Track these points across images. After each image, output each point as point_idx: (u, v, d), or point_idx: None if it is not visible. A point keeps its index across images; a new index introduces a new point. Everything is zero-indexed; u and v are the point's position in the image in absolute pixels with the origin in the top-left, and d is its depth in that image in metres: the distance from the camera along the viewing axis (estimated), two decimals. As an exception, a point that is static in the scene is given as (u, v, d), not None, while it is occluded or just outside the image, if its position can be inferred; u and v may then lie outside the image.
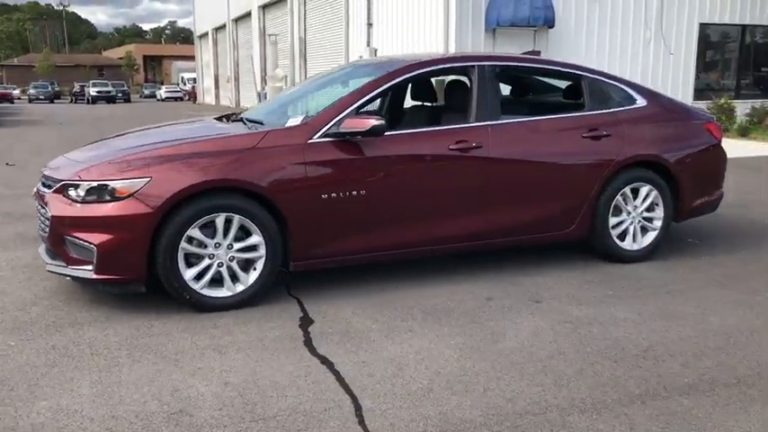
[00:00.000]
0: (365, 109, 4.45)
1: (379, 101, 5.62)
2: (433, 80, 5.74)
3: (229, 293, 4.05)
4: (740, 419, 2.81)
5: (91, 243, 3.82)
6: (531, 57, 6.58)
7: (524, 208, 4.70)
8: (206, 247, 3.96)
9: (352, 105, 4.30)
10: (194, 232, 3.90)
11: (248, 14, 30.43)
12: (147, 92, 60.22)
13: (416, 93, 5.73)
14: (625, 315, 4.01)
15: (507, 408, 2.90)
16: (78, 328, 3.77)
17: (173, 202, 3.81)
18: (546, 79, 5.79)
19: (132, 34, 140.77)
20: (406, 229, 4.40)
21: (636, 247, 5.11)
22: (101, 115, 29.39)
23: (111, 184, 3.84)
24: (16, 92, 53.00)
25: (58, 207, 3.96)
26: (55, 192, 4.03)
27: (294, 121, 4.30)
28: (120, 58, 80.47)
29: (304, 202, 4.08)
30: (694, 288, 4.52)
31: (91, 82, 50.19)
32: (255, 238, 4.04)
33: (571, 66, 5.19)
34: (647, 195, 5.06)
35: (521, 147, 4.67)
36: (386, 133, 4.30)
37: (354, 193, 4.20)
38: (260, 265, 4.08)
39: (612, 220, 4.99)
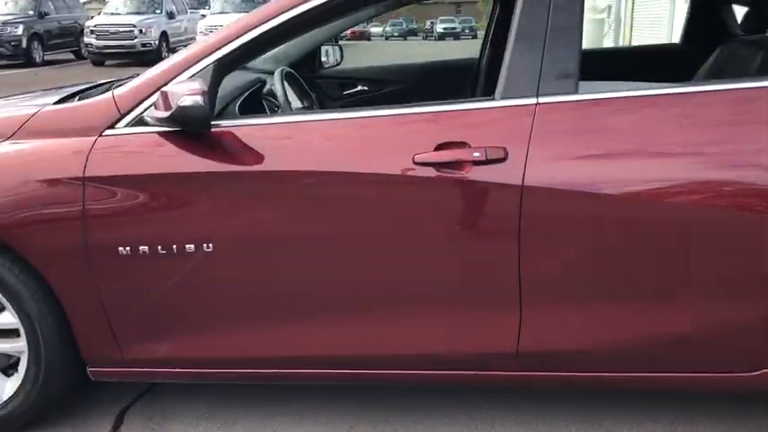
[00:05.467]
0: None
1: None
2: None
3: (-28, 409, 2.21)
4: None
5: None
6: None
7: (614, 311, 1.93)
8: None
9: (179, 72, 2.01)
10: None
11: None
12: (496, 27, 59.34)
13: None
14: None
15: None
16: None
17: None
18: None
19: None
20: (309, 330, 2.05)
21: None
22: (425, 52, 28.75)
23: None
24: (377, 29, 56.24)
25: None
26: None
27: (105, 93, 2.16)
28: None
29: (84, 259, 2.00)
30: None
31: (439, 18, 50.88)
32: (7, 317, 2.11)
33: None
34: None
35: (621, 161, 1.86)
36: (274, 121, 2.01)
37: (189, 247, 1.96)
38: (23, 367, 2.16)
39: None
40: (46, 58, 19.33)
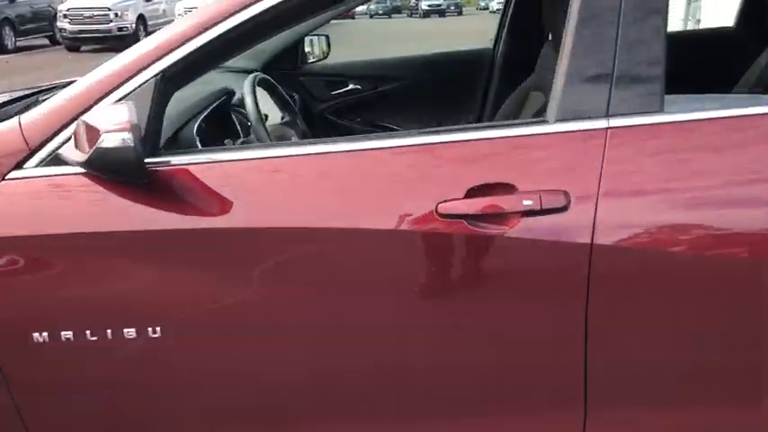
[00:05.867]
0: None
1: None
2: None
3: None
4: None
5: None
6: None
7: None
8: None
9: (106, 92, 1.43)
10: None
11: None
12: (482, 3, 58.49)
13: None
14: None
15: None
16: None
17: None
18: None
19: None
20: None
21: None
22: (404, 30, 28.01)
23: None
24: (361, 7, 55.17)
25: None
26: None
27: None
28: (468, -30, 79.59)
29: (-14, 348, 1.46)
30: None
31: (424, -6, 49.91)
32: None
33: None
34: None
35: (732, 207, 1.34)
36: (243, 156, 1.45)
37: (129, 331, 1.42)
38: None
39: None
40: (18, 44, 18.52)
